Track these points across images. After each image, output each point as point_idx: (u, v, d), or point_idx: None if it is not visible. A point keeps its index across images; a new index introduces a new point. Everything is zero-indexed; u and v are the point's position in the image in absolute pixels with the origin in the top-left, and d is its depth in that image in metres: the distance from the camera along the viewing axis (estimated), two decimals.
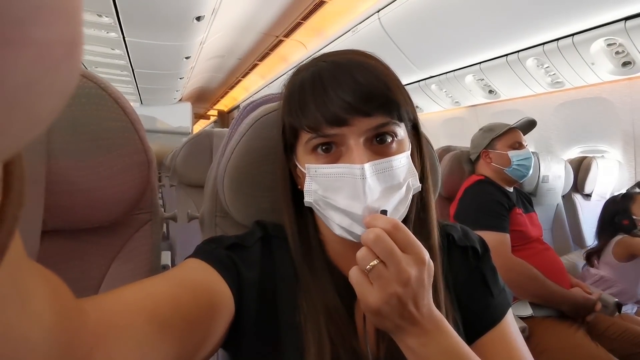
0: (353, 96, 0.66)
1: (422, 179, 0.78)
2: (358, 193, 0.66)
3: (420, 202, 0.79)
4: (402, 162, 0.70)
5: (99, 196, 0.83)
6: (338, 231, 0.70)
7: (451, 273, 0.82)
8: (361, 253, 0.59)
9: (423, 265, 0.59)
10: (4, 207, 0.22)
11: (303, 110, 0.70)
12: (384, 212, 0.65)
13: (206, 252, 0.72)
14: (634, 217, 2.53)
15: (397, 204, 0.69)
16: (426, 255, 0.60)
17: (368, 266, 0.58)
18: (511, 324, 0.81)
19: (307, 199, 0.74)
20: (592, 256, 2.68)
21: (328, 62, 0.72)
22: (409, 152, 0.74)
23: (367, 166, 0.66)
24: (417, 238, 0.62)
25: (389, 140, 0.70)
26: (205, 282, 0.65)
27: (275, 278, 0.77)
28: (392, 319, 0.59)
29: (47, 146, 0.77)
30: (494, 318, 0.80)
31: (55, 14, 0.17)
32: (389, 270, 0.57)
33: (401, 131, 0.72)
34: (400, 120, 0.71)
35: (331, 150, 0.70)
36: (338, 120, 0.67)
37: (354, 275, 0.61)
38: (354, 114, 0.66)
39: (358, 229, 0.67)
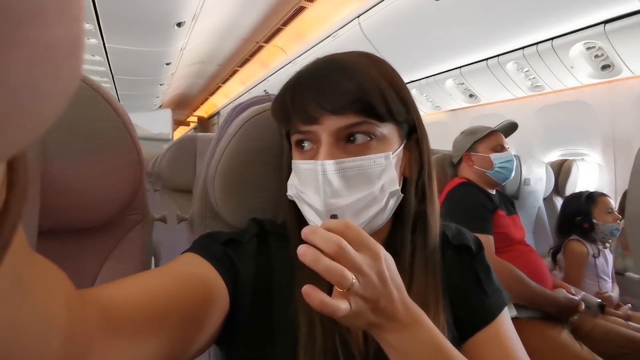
0: (322, 95, 0.69)
1: (423, 185, 0.80)
2: (318, 188, 0.69)
3: (420, 209, 0.80)
4: (377, 162, 0.71)
5: (93, 196, 0.82)
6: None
7: (446, 273, 0.82)
8: (338, 276, 0.52)
9: (379, 261, 0.56)
10: (8, 202, 0.24)
11: (284, 112, 0.75)
12: (334, 216, 0.66)
13: (202, 247, 0.72)
14: (594, 220, 2.54)
15: (367, 206, 0.70)
16: (381, 250, 0.58)
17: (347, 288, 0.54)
18: (506, 322, 0.81)
19: (289, 192, 0.78)
20: (555, 256, 2.70)
21: (310, 65, 0.76)
22: (393, 153, 0.74)
23: (327, 163, 0.69)
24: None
25: (365, 140, 0.71)
26: (201, 276, 0.65)
27: (271, 274, 0.77)
28: (364, 317, 0.57)
29: (42, 146, 0.76)
30: (488, 316, 0.80)
31: (57, 15, 0.17)
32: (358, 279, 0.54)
33: (383, 131, 0.72)
34: (381, 120, 0.71)
35: (308, 147, 0.73)
36: (309, 118, 0.70)
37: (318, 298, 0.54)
38: (324, 113, 0.69)
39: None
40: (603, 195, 2.63)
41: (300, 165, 0.74)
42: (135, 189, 0.89)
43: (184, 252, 0.72)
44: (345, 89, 0.69)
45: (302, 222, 0.81)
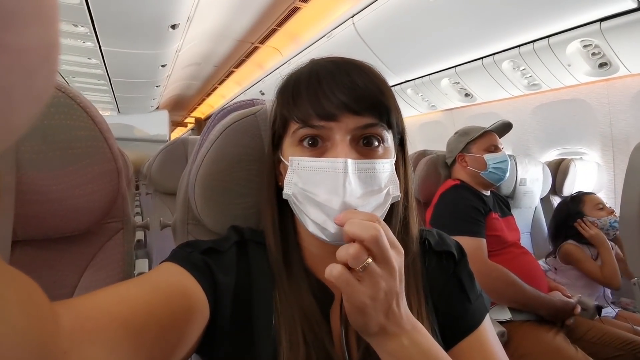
0: (346, 94, 0.68)
1: (407, 193, 0.80)
2: (337, 187, 0.67)
3: (403, 216, 0.81)
4: (385, 167, 0.72)
5: (69, 205, 0.82)
6: (311, 227, 0.70)
7: (428, 279, 0.82)
8: (354, 250, 0.57)
9: (403, 259, 0.61)
10: None
11: (295, 102, 0.72)
12: None
13: (181, 256, 0.72)
14: (587, 217, 2.57)
15: (375, 209, 0.69)
16: (403, 252, 0.61)
17: (361, 266, 0.57)
18: (489, 329, 0.81)
19: (287, 191, 0.73)
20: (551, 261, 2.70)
21: (327, 61, 0.75)
22: (394, 160, 0.76)
23: (350, 161, 0.67)
24: None
25: (376, 144, 0.72)
26: (180, 286, 0.65)
27: (251, 282, 0.77)
28: (377, 318, 0.59)
29: (16, 156, 0.76)
30: (472, 324, 0.80)
31: (30, 20, 0.17)
32: (381, 268, 0.57)
33: (389, 137, 0.74)
34: (389, 126, 0.73)
35: (317, 145, 0.71)
36: (327, 114, 0.69)
37: (341, 273, 0.58)
38: (344, 111, 0.68)
39: (331, 227, 0.66)
40: (589, 193, 2.68)
41: (309, 163, 0.70)
42: (113, 198, 0.89)
43: (162, 262, 0.72)
44: (369, 90, 0.70)
45: (284, 230, 0.81)
